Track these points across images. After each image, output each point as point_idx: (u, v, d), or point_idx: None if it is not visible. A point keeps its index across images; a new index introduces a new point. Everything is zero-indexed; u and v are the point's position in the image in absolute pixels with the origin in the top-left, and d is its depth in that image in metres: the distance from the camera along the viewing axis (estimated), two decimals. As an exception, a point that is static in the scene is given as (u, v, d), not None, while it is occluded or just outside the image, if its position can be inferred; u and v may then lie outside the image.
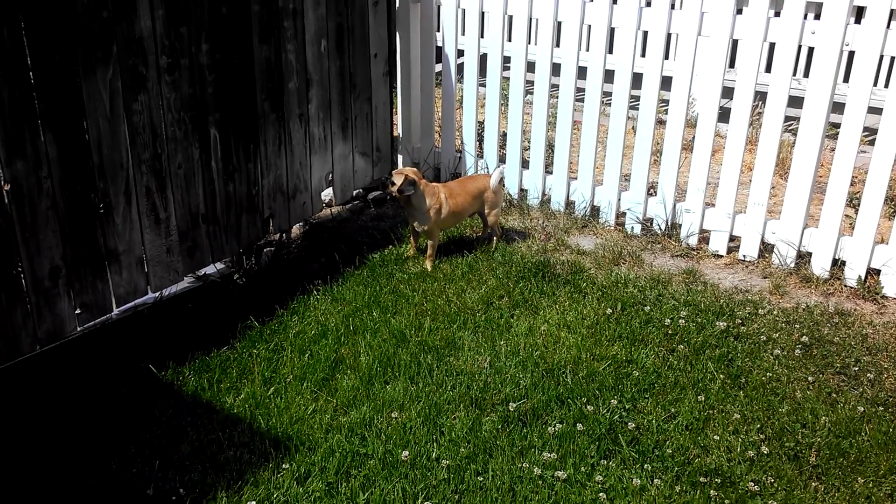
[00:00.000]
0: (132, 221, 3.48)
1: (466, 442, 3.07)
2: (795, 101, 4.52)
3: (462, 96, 5.41)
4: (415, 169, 4.36)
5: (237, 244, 4.13)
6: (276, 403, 3.28)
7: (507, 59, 5.15)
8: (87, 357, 3.51)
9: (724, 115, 4.70)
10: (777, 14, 4.30)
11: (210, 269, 4.20)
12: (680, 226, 4.82)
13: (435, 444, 3.06)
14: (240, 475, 2.88)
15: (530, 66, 5.06)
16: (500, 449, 3.05)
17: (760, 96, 4.56)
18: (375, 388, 3.39)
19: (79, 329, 3.38)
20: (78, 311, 3.33)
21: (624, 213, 5.00)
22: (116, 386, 3.37)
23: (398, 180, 4.29)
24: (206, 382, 3.40)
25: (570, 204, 5.18)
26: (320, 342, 3.69)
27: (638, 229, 4.93)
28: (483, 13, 5.12)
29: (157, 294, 3.86)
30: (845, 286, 4.32)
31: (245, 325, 3.82)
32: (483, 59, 5.22)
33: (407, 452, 2.98)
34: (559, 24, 4.88)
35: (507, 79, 5.18)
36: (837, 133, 4.25)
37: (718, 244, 4.69)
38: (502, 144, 5.42)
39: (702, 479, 2.93)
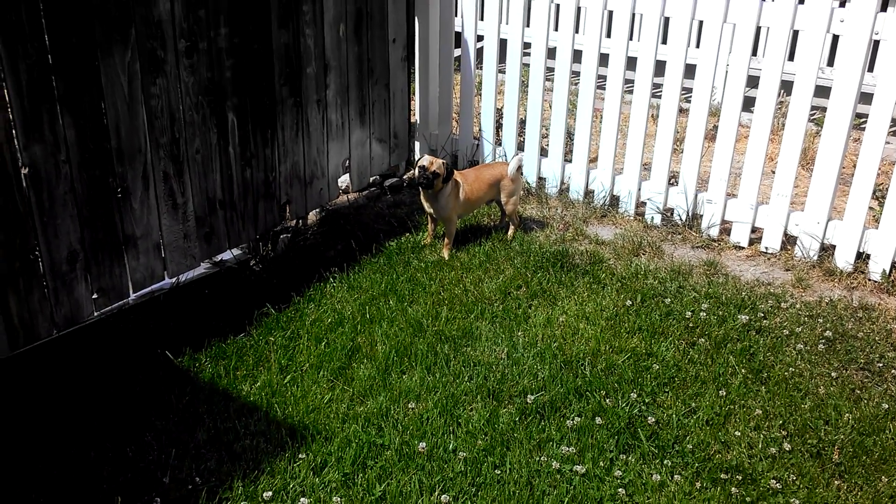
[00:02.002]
0: (150, 206, 3.46)
1: (483, 434, 3.04)
2: (821, 91, 4.43)
3: (481, 83, 5.34)
4: (443, 160, 4.30)
5: (254, 230, 4.10)
6: (292, 392, 3.26)
7: (527, 45, 5.08)
8: (104, 342, 3.50)
9: (747, 104, 4.62)
10: (803, 1, 4.21)
11: (227, 255, 4.19)
12: (701, 216, 4.75)
13: (452, 435, 3.04)
14: (256, 464, 2.87)
15: (551, 53, 4.99)
16: (518, 442, 3.02)
17: (785, 85, 4.48)
18: (392, 377, 3.36)
19: (95, 314, 3.37)
20: (95, 296, 3.32)
21: (644, 203, 4.94)
22: (133, 372, 3.36)
23: (424, 163, 4.23)
24: (222, 370, 3.38)
25: (589, 193, 5.12)
26: (337, 330, 3.67)
27: (658, 219, 4.87)
28: (503, -2, 5.05)
29: (174, 280, 3.85)
30: (869, 280, 4.25)
31: (261, 311, 3.81)
32: (503, 44, 5.15)
33: (424, 444, 2.96)
34: (581, 9, 4.81)
35: (527, 65, 5.11)
36: (862, 124, 4.16)
37: (740, 236, 4.62)
38: (521, 132, 5.35)
39: (722, 475, 2.89)
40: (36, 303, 3.09)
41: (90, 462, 2.88)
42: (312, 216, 4.83)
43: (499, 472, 2.87)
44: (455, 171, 4.44)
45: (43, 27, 2.87)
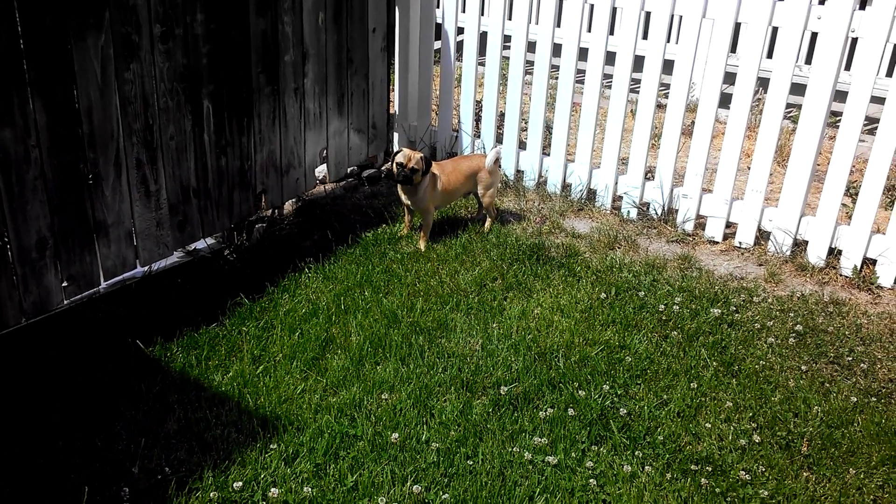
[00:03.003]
0: (122, 193, 3.41)
1: (457, 425, 3.05)
2: (797, 89, 4.47)
3: (461, 75, 5.33)
4: (419, 154, 4.27)
5: (228, 219, 4.07)
6: (264, 382, 3.24)
7: (507, 39, 5.08)
8: (74, 331, 3.46)
9: (724, 100, 4.65)
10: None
11: (200, 245, 4.15)
12: (676, 211, 4.78)
13: (425, 426, 3.03)
14: (227, 455, 2.85)
15: (531, 46, 4.98)
16: (491, 433, 3.02)
17: (762, 82, 4.51)
18: (366, 368, 3.35)
19: (65, 302, 3.33)
20: (65, 284, 3.27)
21: (620, 197, 4.96)
22: (103, 361, 3.32)
23: (402, 159, 4.21)
24: (193, 359, 3.35)
25: (566, 186, 5.13)
26: (311, 321, 3.65)
27: (634, 213, 4.89)
28: (483, -10, 5.03)
29: (146, 268, 3.81)
30: (840, 275, 4.30)
31: (235, 301, 3.78)
32: (483, 37, 5.14)
33: (396, 434, 2.95)
34: (561, 3, 4.81)
35: (507, 58, 5.11)
36: (838, 122, 4.20)
37: (715, 230, 4.66)
38: (500, 125, 5.35)
39: (693, 466, 2.91)
40: (4, 290, 3.04)
41: (58, 452, 2.84)
42: (288, 206, 4.80)
43: (471, 462, 2.88)
44: (433, 163, 4.43)
45: (14, 10, 2.82)
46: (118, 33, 3.21)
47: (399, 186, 4.40)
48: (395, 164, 4.23)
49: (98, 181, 3.29)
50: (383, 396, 3.18)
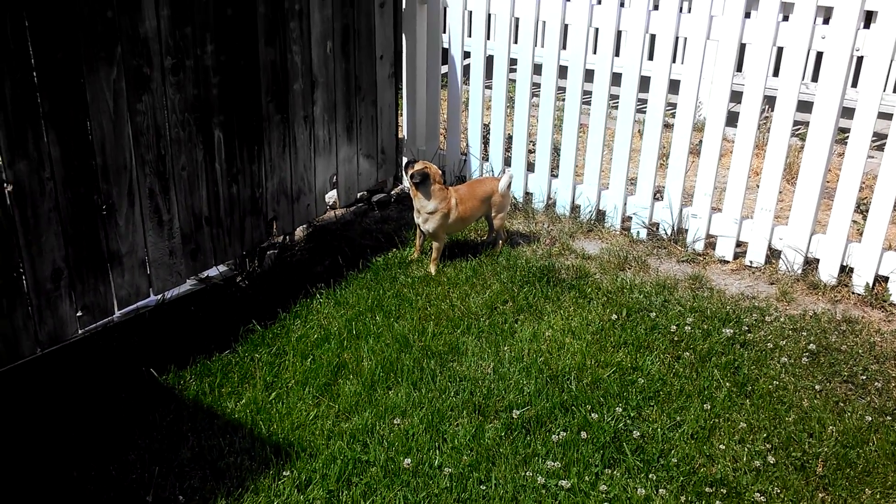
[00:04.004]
0: (135, 223, 3.45)
1: (469, 449, 3.04)
2: (804, 106, 4.48)
3: (468, 99, 5.38)
4: (436, 168, 4.32)
5: (240, 247, 4.10)
6: (277, 409, 3.25)
7: (513, 62, 5.12)
8: (88, 360, 3.48)
9: (731, 119, 4.66)
10: (786, 18, 4.26)
11: (213, 272, 4.18)
12: (686, 231, 4.78)
13: (437, 451, 3.03)
14: (240, 482, 2.85)
15: (537, 69, 5.02)
16: (504, 457, 3.01)
17: (769, 101, 4.52)
18: (378, 393, 3.36)
19: (80, 331, 3.36)
20: (79, 314, 3.31)
21: (629, 218, 4.97)
22: (117, 390, 3.34)
23: (417, 166, 4.27)
24: (207, 387, 3.37)
25: (575, 208, 5.15)
26: (323, 346, 3.66)
27: (644, 234, 4.89)
28: (490, 15, 5.09)
29: (160, 296, 3.84)
30: (853, 293, 4.28)
31: (247, 328, 3.80)
32: (489, 61, 5.19)
33: (409, 460, 2.95)
34: (566, 26, 4.85)
35: (514, 81, 5.15)
36: (846, 138, 4.21)
37: (725, 250, 4.65)
38: (508, 147, 5.38)
39: (707, 489, 2.89)
40: (20, 321, 3.08)
41: (73, 482, 2.86)
42: (299, 232, 4.83)
43: (484, 487, 2.87)
44: (450, 189, 4.43)
45: (28, 45, 2.88)
46: (130, 66, 3.26)
47: (414, 212, 4.41)
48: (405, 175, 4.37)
49: (112, 211, 3.34)
50: (395, 421, 3.18)
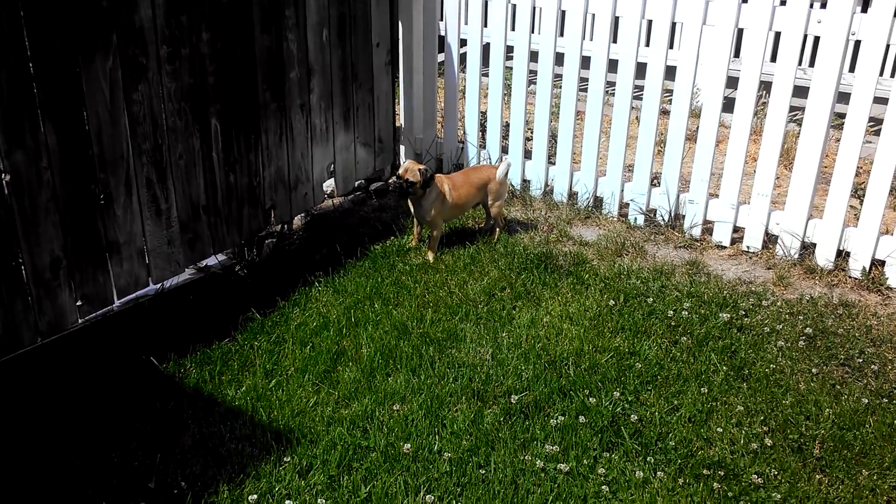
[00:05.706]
0: (133, 213, 3.46)
1: (468, 434, 3.06)
2: (800, 91, 4.49)
3: (464, 86, 5.37)
4: (421, 166, 4.31)
5: (238, 236, 4.11)
6: (277, 396, 3.27)
7: (509, 49, 5.12)
8: (89, 349, 3.50)
9: (728, 105, 4.66)
10: (783, 2, 4.26)
11: (211, 261, 4.19)
12: (683, 217, 4.79)
13: (437, 436, 3.05)
14: (241, 468, 2.87)
15: (533, 56, 5.02)
16: (503, 441, 3.03)
17: (765, 86, 4.52)
18: (377, 380, 3.38)
19: (80, 321, 3.37)
20: (79, 303, 3.32)
21: (627, 204, 4.98)
22: (118, 378, 3.36)
23: (400, 170, 4.27)
24: (207, 375, 3.39)
25: (572, 195, 5.16)
26: (322, 334, 3.68)
27: (641, 220, 4.91)
28: (486, 2, 5.08)
29: (159, 286, 3.85)
30: (849, 277, 4.30)
31: (246, 316, 3.81)
32: (486, 48, 5.18)
33: (409, 445, 2.97)
34: (563, 13, 4.84)
35: (510, 68, 5.15)
36: (842, 123, 4.22)
37: (722, 235, 4.67)
38: (505, 135, 5.38)
39: (705, 471, 2.92)
40: (19, 310, 3.09)
41: (76, 469, 2.87)
42: (297, 221, 4.84)
43: (483, 471, 2.89)
44: (443, 176, 4.46)
45: (24, 35, 2.88)
46: (125, 55, 3.26)
47: (407, 201, 4.43)
48: (395, 177, 4.29)
49: (109, 201, 3.34)
50: (395, 407, 3.20)
